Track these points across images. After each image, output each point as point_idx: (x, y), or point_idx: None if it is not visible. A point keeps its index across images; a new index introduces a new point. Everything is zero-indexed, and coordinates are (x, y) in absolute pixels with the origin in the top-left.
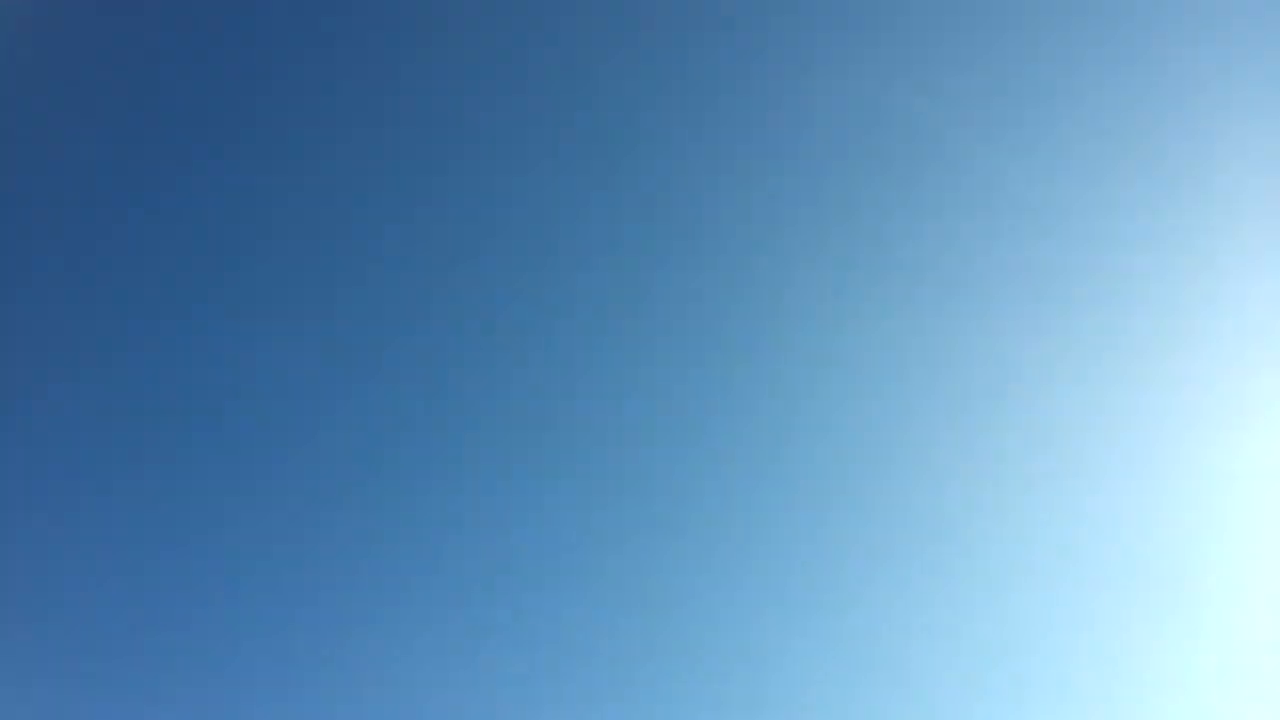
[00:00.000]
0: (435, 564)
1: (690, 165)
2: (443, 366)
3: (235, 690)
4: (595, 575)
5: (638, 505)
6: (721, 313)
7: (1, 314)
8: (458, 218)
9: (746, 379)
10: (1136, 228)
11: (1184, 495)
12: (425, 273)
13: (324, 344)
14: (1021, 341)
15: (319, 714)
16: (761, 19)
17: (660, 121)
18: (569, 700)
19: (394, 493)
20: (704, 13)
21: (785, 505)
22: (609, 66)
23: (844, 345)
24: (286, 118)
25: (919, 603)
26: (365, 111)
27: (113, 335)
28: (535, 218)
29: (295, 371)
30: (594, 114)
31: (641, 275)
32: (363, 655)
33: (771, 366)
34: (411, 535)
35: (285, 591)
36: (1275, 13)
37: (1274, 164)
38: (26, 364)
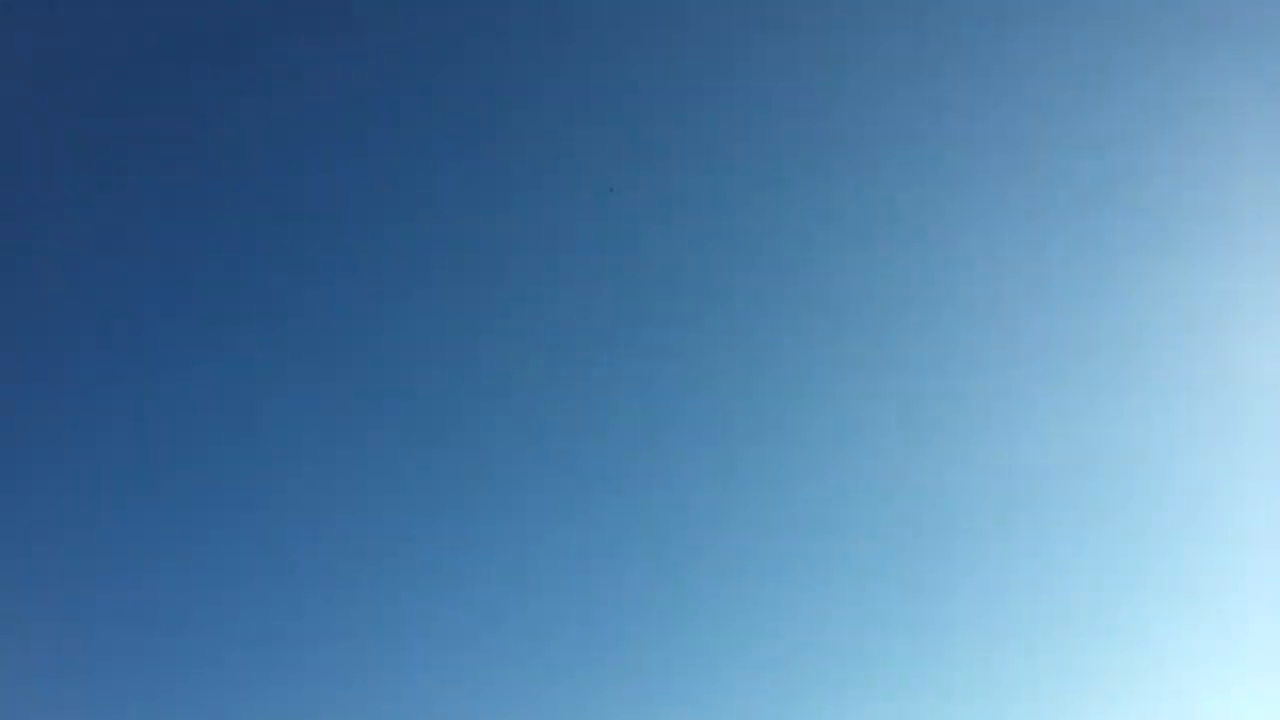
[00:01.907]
0: (434, 565)
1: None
2: (444, 368)
3: (235, 690)
4: (587, 577)
5: (634, 504)
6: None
7: (5, 317)
8: (457, 219)
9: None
10: (1133, 228)
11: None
12: (425, 273)
13: (325, 347)
14: (1021, 339)
15: (319, 714)
16: (758, 26)
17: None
18: (567, 699)
19: (393, 497)
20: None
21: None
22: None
23: (849, 343)
24: (297, 128)
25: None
26: (369, 125)
27: (113, 338)
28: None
29: (298, 373)
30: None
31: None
32: (362, 655)
33: (770, 366)
34: (411, 538)
35: (286, 590)
36: (1275, 12)
37: (1274, 164)
38: (30, 367)
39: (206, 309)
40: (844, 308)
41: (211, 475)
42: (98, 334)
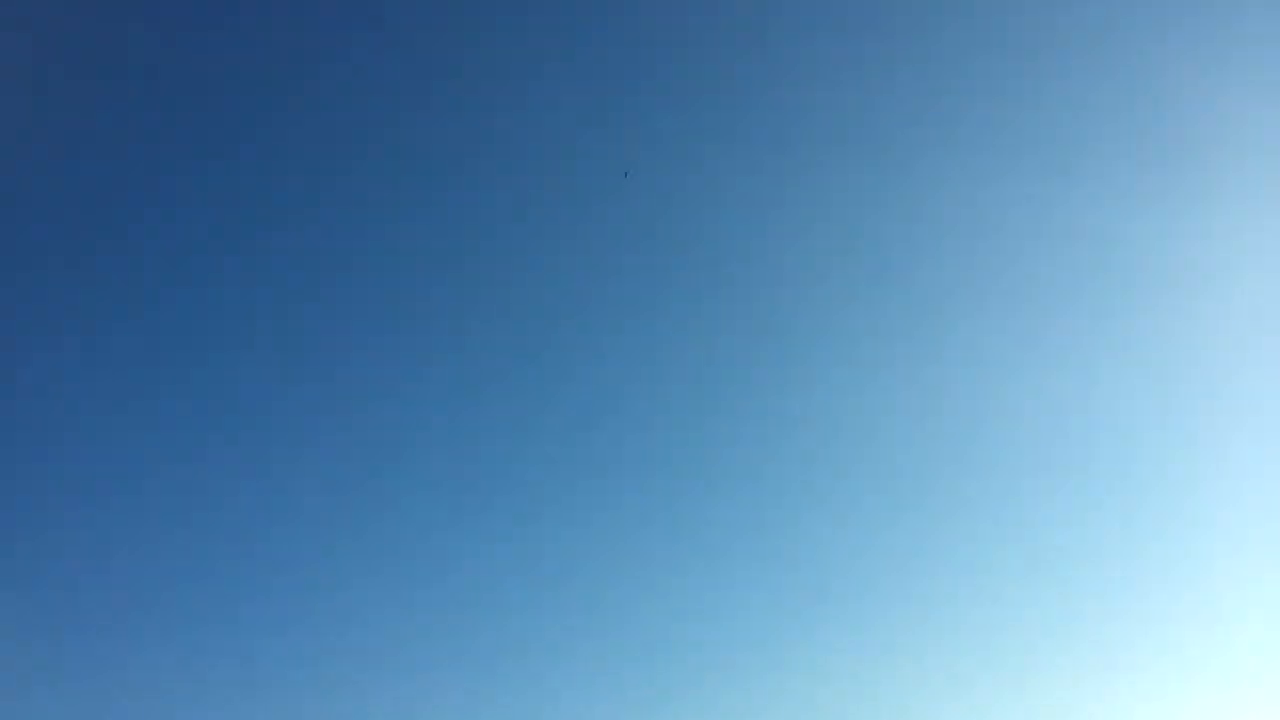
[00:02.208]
0: (441, 564)
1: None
2: (450, 369)
3: (236, 689)
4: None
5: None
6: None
7: (14, 316)
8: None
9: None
10: (1135, 228)
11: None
12: (430, 273)
13: (331, 349)
14: (1019, 339)
15: (320, 712)
16: (753, 27)
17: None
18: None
19: (398, 496)
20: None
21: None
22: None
23: (843, 344)
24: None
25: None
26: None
27: (117, 337)
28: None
29: (304, 375)
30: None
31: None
32: (363, 653)
33: (773, 367)
34: (417, 538)
35: (290, 589)
36: (1275, 13)
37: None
38: (32, 365)
39: (210, 309)
40: (843, 298)
41: (212, 473)
42: (97, 334)
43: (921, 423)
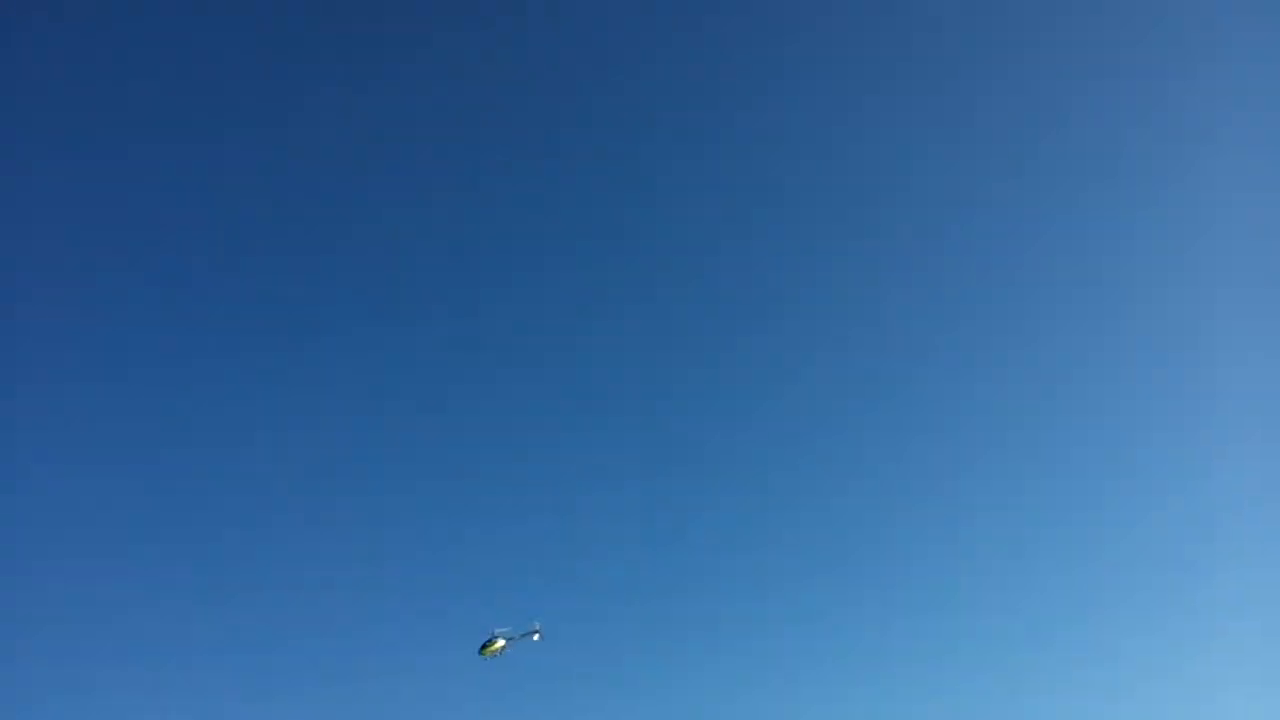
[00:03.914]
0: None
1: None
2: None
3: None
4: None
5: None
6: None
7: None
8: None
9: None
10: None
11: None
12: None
13: (335, 349)
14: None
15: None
16: (755, 28)
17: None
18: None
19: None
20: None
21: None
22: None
23: (846, 341)
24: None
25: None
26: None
27: (118, 340)
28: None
29: (307, 376)
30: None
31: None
32: (365, 652)
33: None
34: (419, 538)
35: (294, 590)
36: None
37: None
38: (34, 366)
39: (222, 311)
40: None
41: (216, 474)
42: (102, 335)
43: (919, 421)
